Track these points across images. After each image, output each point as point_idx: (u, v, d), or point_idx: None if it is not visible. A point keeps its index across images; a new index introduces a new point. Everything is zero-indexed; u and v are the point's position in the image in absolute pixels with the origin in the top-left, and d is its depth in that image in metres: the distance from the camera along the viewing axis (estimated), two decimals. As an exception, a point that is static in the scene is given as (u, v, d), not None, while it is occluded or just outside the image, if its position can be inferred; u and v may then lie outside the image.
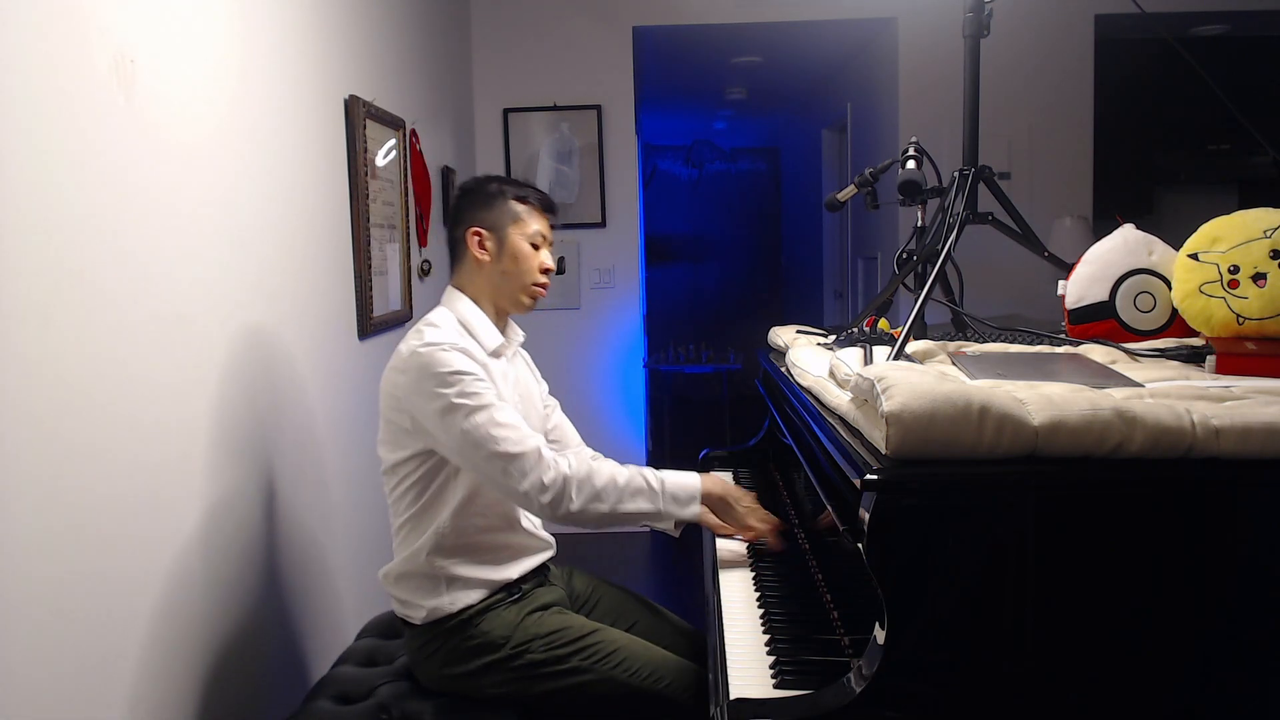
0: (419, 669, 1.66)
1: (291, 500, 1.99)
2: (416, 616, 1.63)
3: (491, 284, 1.73)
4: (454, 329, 1.65)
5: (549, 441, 1.86)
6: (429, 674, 1.64)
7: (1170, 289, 1.51)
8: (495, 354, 1.71)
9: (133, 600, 1.39)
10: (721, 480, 1.71)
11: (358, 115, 2.39)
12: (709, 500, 1.66)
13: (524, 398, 1.79)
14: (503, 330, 1.76)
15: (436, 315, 1.69)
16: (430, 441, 1.60)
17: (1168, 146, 4.43)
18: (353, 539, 2.35)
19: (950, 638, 1.04)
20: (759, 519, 1.69)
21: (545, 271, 1.76)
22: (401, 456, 1.64)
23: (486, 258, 1.72)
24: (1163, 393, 1.16)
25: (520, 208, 1.74)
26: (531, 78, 4.06)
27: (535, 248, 1.74)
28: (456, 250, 1.77)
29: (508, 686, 1.60)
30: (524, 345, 1.90)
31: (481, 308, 1.73)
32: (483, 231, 1.72)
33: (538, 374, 1.94)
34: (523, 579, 1.70)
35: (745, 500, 1.70)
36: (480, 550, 1.65)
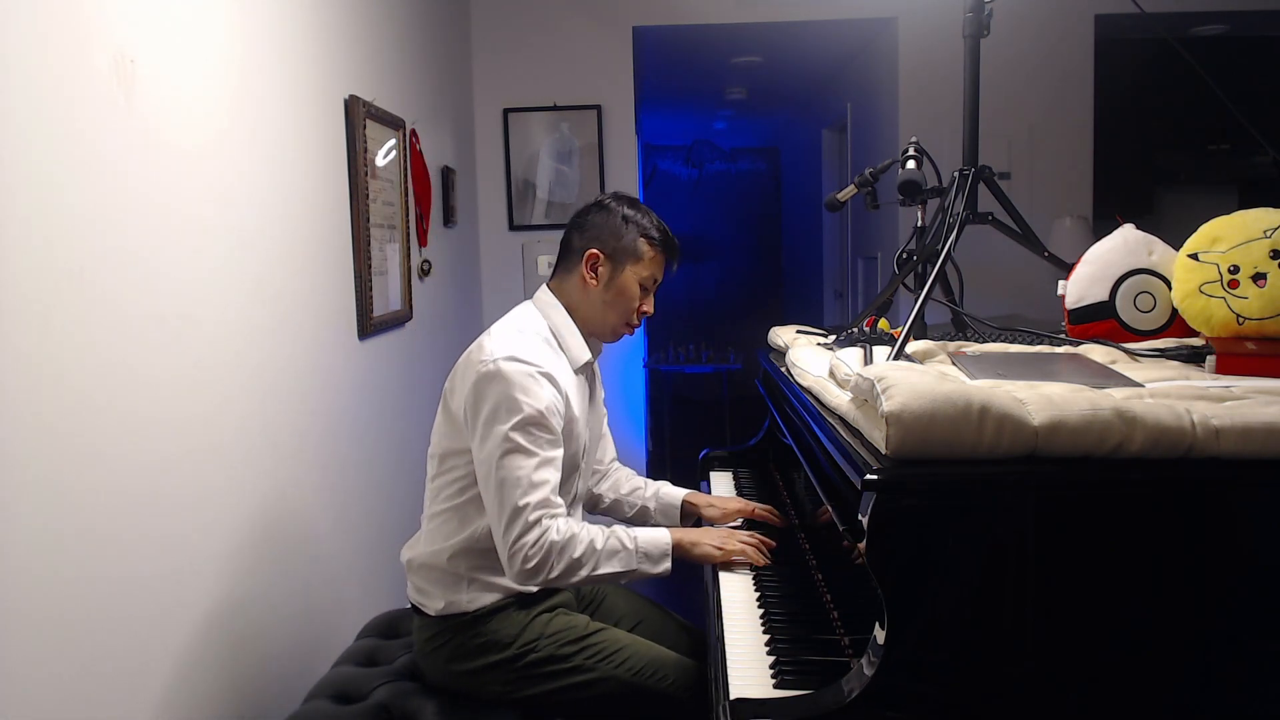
0: (423, 661, 1.67)
1: (291, 500, 1.99)
2: (431, 607, 1.63)
3: (589, 308, 1.71)
4: (544, 342, 1.63)
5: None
6: (433, 667, 1.65)
7: (1170, 289, 1.51)
8: (579, 370, 1.69)
9: (132, 600, 1.39)
10: (688, 530, 1.72)
11: (358, 115, 2.39)
12: (680, 548, 1.65)
13: (594, 411, 1.81)
14: (591, 346, 1.74)
15: (525, 317, 1.67)
16: (473, 443, 1.57)
17: (1168, 146, 4.43)
18: (353, 539, 2.35)
19: (950, 638, 1.04)
20: (736, 542, 1.69)
21: (641, 314, 1.74)
22: (455, 447, 1.62)
23: (595, 283, 1.69)
24: (1163, 393, 1.16)
25: (646, 248, 1.70)
26: (531, 78, 4.06)
27: (643, 290, 1.72)
28: (568, 259, 1.73)
29: (512, 684, 1.60)
30: None
31: (574, 321, 1.71)
32: (600, 255, 1.68)
33: (601, 391, 1.92)
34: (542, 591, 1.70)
35: (717, 534, 1.71)
36: None
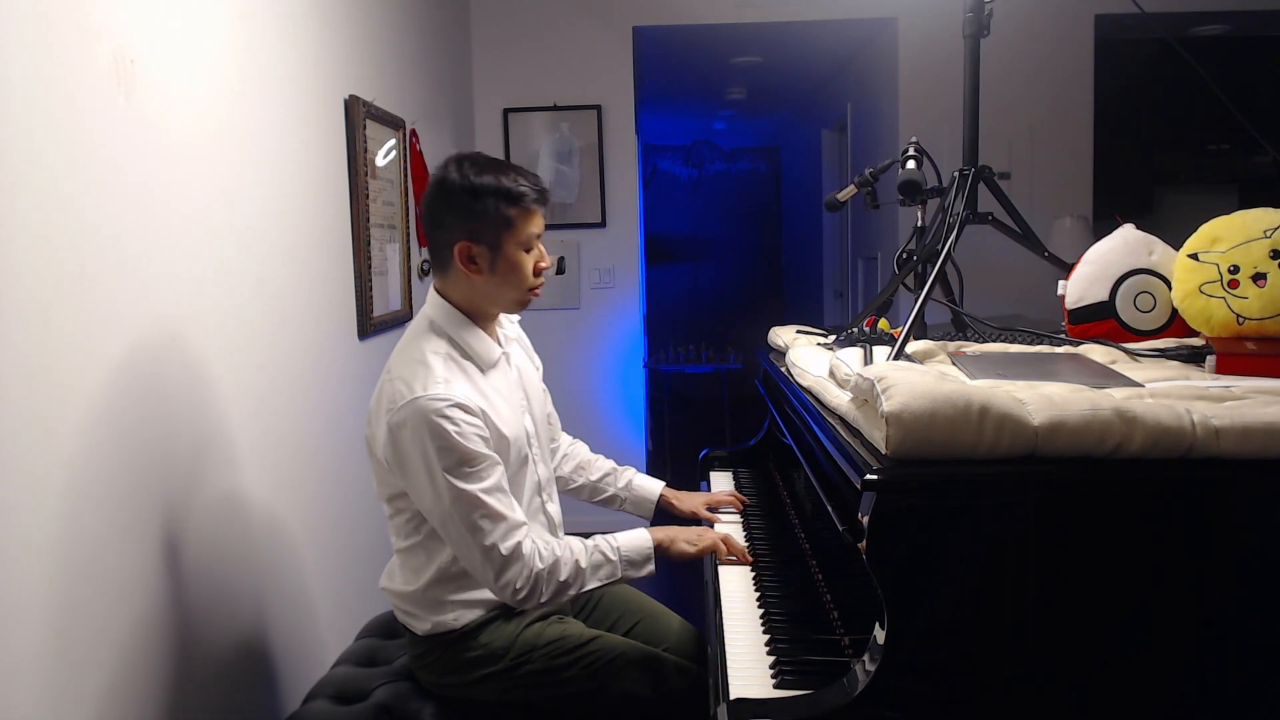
0: (419, 673, 1.66)
1: (292, 500, 1.99)
2: (419, 628, 1.61)
3: (485, 295, 1.58)
4: (446, 363, 1.51)
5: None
6: (428, 680, 1.64)
7: (1170, 289, 1.51)
8: (495, 364, 1.62)
9: (132, 600, 1.39)
10: (668, 528, 1.71)
11: (358, 115, 2.39)
12: (660, 549, 1.65)
13: (529, 391, 1.71)
14: (495, 336, 1.65)
15: (427, 342, 1.54)
16: (413, 497, 1.51)
17: (1168, 146, 4.43)
18: (353, 539, 2.35)
19: (950, 638, 1.04)
20: (709, 540, 1.69)
21: (540, 271, 1.61)
22: (394, 491, 1.57)
23: (478, 274, 1.55)
24: (1163, 393, 1.16)
25: (513, 211, 1.53)
26: (531, 78, 4.06)
27: (529, 249, 1.58)
28: (440, 257, 1.57)
29: (507, 695, 1.60)
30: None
31: (473, 318, 1.59)
32: (471, 246, 1.53)
33: (534, 356, 1.84)
34: None
35: (693, 532, 1.71)
36: None
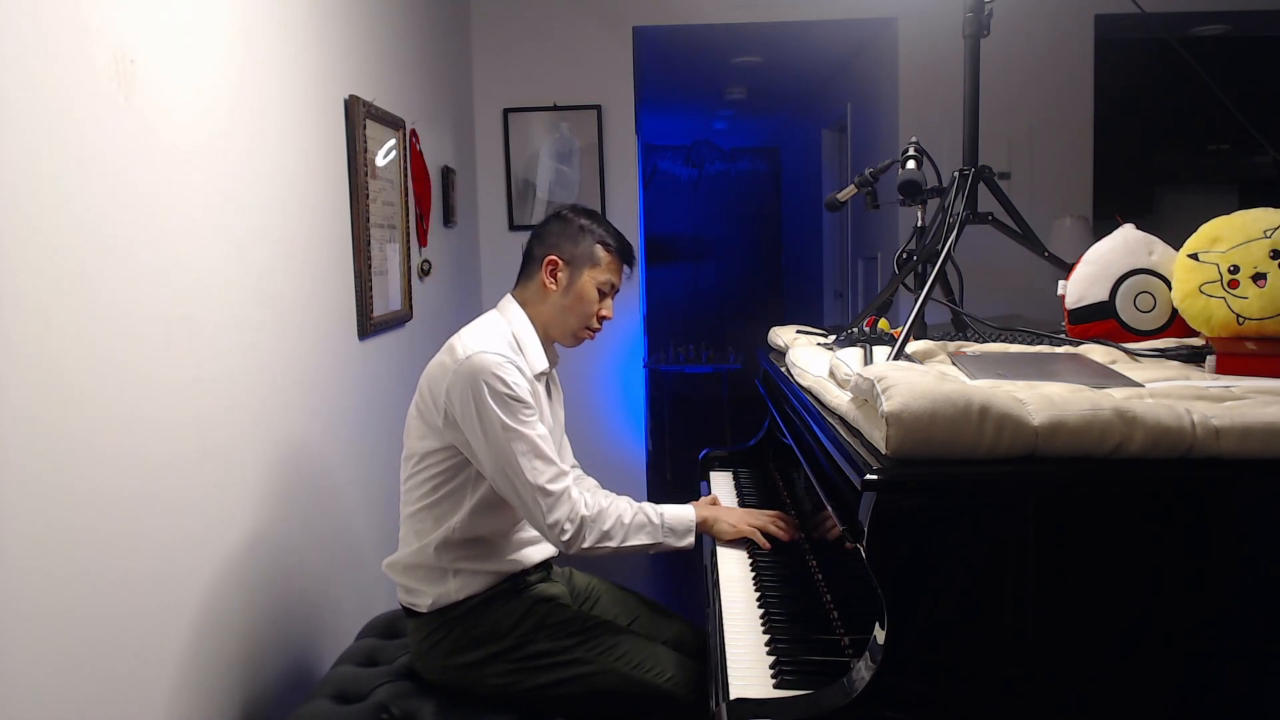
0: (422, 660, 1.67)
1: (291, 500, 1.99)
2: (422, 604, 1.65)
3: (550, 312, 1.77)
4: (507, 342, 1.68)
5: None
6: (432, 665, 1.65)
7: (1170, 289, 1.51)
8: (537, 377, 1.73)
9: (131, 600, 1.39)
10: (713, 507, 1.82)
11: (358, 115, 2.39)
12: (703, 525, 1.76)
13: (554, 419, 1.83)
14: (549, 355, 1.80)
15: (491, 321, 1.73)
16: (462, 445, 1.63)
17: (1168, 146, 4.43)
18: (353, 539, 2.35)
19: (950, 638, 1.04)
20: (754, 520, 1.76)
21: (601, 319, 1.81)
22: (430, 447, 1.67)
23: (554, 288, 1.76)
24: (1163, 393, 1.16)
25: (603, 254, 1.77)
26: (531, 78, 4.06)
27: (601, 295, 1.78)
28: (529, 267, 1.80)
29: (511, 676, 1.61)
30: None
31: (535, 328, 1.76)
32: (559, 261, 1.75)
33: (559, 389, 1.95)
34: (527, 571, 1.73)
35: (739, 513, 1.79)
36: (488, 544, 1.69)
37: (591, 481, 2.00)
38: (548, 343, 1.80)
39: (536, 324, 1.77)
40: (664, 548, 1.72)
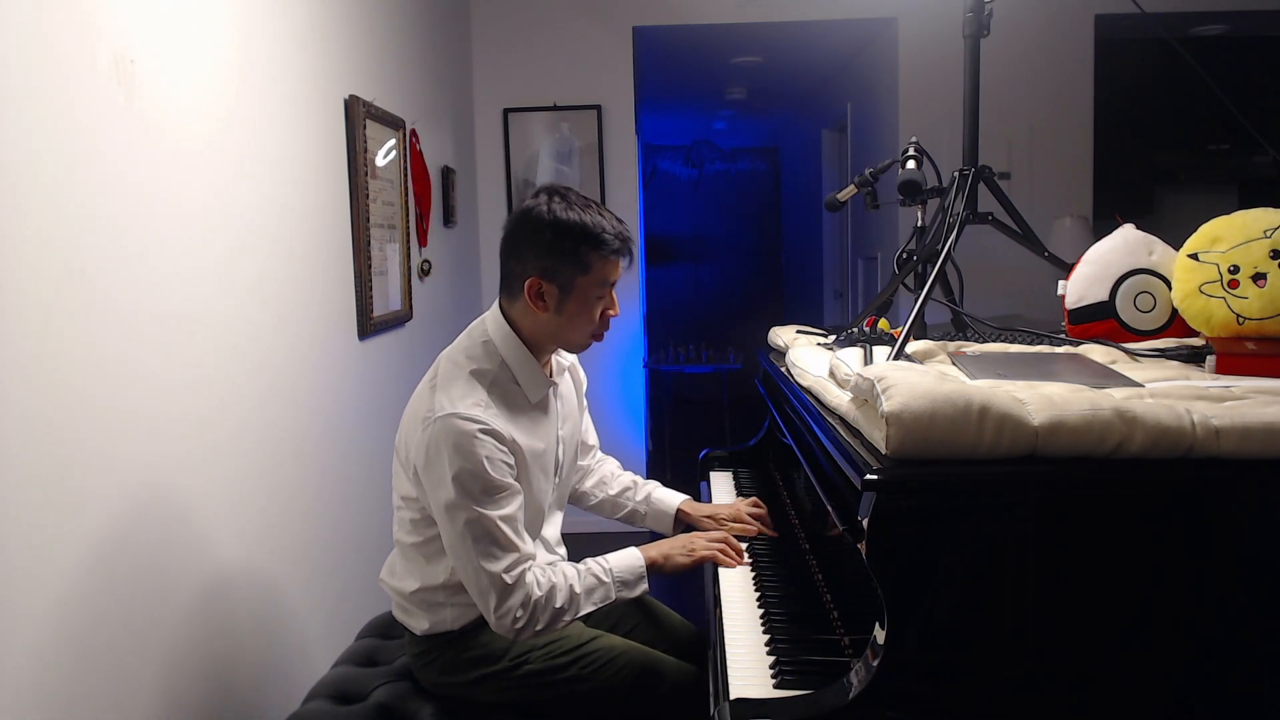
0: (418, 672, 1.66)
1: (292, 499, 1.99)
2: (417, 628, 1.62)
3: (546, 333, 1.56)
4: (491, 388, 1.50)
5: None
6: (427, 679, 1.64)
7: (1170, 289, 1.51)
8: (538, 405, 1.59)
9: (132, 599, 1.39)
10: (658, 544, 1.70)
11: (358, 115, 2.39)
12: (654, 566, 1.64)
13: (567, 417, 1.70)
14: (551, 367, 1.64)
15: (484, 355, 1.54)
16: (427, 505, 1.53)
17: (1168, 146, 4.43)
18: (353, 538, 2.35)
19: (950, 638, 1.04)
20: (713, 537, 1.70)
21: (608, 319, 1.60)
22: (410, 494, 1.57)
23: (543, 311, 1.52)
24: (1163, 393, 1.16)
25: (591, 256, 1.50)
26: (531, 78, 4.06)
27: (600, 297, 1.55)
28: (510, 283, 1.55)
29: (507, 695, 1.60)
30: None
31: (530, 349, 1.57)
32: (544, 285, 1.50)
33: (579, 370, 1.82)
34: None
35: (681, 542, 1.70)
36: None
37: (613, 462, 1.98)
38: (545, 356, 1.62)
39: (531, 344, 1.57)
40: (619, 601, 1.60)
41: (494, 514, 1.44)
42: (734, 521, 1.84)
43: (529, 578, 1.48)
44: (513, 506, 1.48)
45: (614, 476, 1.95)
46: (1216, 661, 1.03)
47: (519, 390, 1.56)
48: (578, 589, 1.55)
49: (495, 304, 1.61)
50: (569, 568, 1.57)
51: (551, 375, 1.65)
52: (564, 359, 1.74)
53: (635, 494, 1.93)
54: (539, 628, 1.50)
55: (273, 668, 1.86)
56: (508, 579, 1.45)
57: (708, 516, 1.87)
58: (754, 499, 1.92)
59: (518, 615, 1.47)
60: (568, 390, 1.75)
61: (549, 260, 1.50)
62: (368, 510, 2.45)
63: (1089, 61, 4.01)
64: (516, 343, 1.56)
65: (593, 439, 1.94)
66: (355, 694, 1.67)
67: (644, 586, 1.63)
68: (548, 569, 1.54)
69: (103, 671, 1.31)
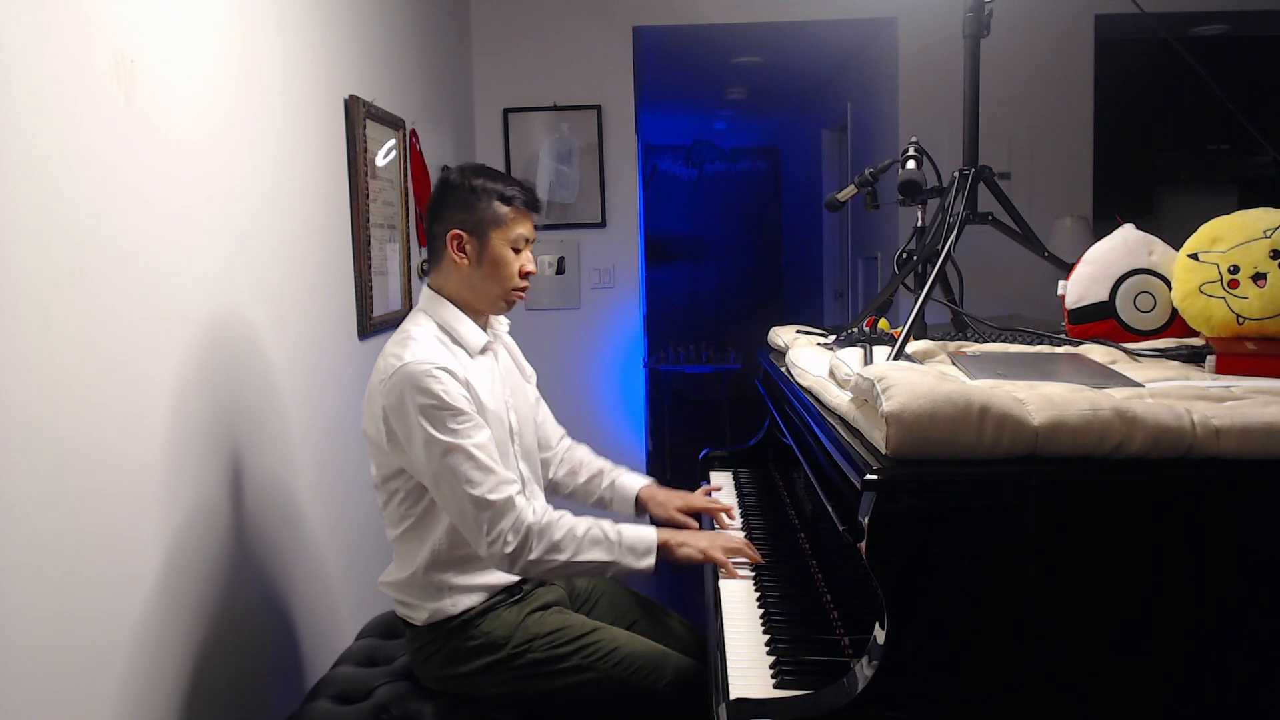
0: (419, 669, 1.67)
1: (292, 499, 1.99)
2: (418, 618, 1.63)
3: (470, 287, 1.67)
4: (434, 340, 1.61)
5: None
6: (429, 674, 1.64)
7: (1170, 289, 1.51)
8: (482, 351, 1.68)
9: (132, 599, 1.39)
10: (678, 532, 1.70)
11: (358, 115, 2.39)
12: (665, 548, 1.63)
13: (514, 390, 1.77)
14: (484, 326, 1.72)
15: (416, 324, 1.65)
16: (409, 465, 1.58)
17: (1168, 146, 4.43)
18: (353, 538, 2.35)
19: (950, 638, 1.04)
20: (729, 543, 1.68)
21: (525, 275, 1.70)
22: (389, 471, 1.62)
23: (465, 262, 1.65)
24: (1163, 393, 1.16)
25: (504, 210, 1.65)
26: (531, 78, 4.06)
27: (516, 251, 1.68)
28: (435, 249, 1.69)
29: (508, 686, 1.60)
30: (520, 340, 1.90)
31: (461, 308, 1.68)
32: (463, 235, 1.64)
33: (525, 366, 1.90)
34: (524, 580, 1.70)
35: (705, 537, 1.69)
36: (478, 557, 1.61)
37: (584, 449, 2.00)
38: (478, 318, 1.70)
39: (460, 303, 1.67)
40: (621, 568, 1.60)
41: (466, 443, 1.51)
42: (694, 513, 1.89)
43: (519, 501, 1.53)
44: (482, 436, 1.55)
45: (583, 464, 1.98)
46: (1216, 661, 1.03)
47: (460, 346, 1.65)
48: (579, 532, 1.57)
49: (424, 288, 1.73)
50: (579, 518, 1.60)
51: (486, 332, 1.71)
52: (499, 330, 1.79)
53: (601, 481, 1.95)
54: (532, 557, 1.52)
55: (273, 668, 1.86)
56: (493, 498, 1.50)
57: (658, 505, 1.89)
58: (706, 486, 2.08)
59: (508, 539, 1.50)
60: (511, 368, 1.81)
61: (465, 213, 1.65)
62: (368, 510, 2.45)
63: (1089, 61, 4.01)
64: (446, 304, 1.68)
65: (554, 427, 1.98)
66: (356, 694, 1.67)
67: (650, 561, 1.62)
68: (550, 508, 1.59)
69: (103, 671, 1.31)
